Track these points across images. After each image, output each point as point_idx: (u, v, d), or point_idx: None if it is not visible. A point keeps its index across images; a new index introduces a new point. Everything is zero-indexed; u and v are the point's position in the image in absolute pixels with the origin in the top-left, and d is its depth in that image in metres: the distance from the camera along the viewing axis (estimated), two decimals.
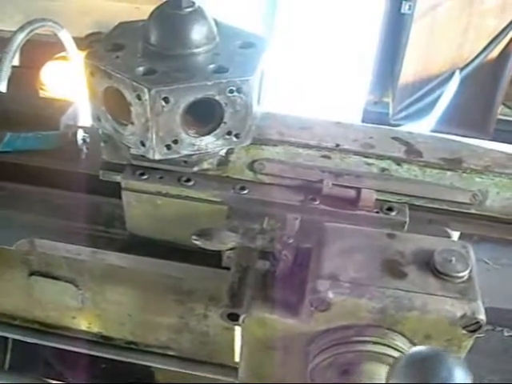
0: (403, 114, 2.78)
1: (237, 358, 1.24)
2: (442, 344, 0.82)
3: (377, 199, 1.01)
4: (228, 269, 0.98)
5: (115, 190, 1.11)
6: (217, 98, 0.94)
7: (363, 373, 0.79)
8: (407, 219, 1.00)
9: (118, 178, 1.08)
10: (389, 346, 0.80)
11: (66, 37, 1.72)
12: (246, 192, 1.04)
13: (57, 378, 1.48)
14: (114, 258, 1.13)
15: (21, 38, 1.57)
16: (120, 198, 1.12)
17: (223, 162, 1.08)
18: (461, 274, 0.80)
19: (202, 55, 0.98)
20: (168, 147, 0.97)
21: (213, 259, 1.06)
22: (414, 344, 0.82)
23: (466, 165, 1.06)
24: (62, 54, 1.97)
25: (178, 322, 1.27)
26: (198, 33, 0.97)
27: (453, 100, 2.65)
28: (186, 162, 1.06)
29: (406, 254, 0.84)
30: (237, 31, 1.04)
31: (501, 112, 2.94)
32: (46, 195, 1.24)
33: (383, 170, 1.06)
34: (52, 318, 1.37)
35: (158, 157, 0.98)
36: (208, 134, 0.98)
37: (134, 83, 0.92)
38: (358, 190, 1.00)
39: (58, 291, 1.28)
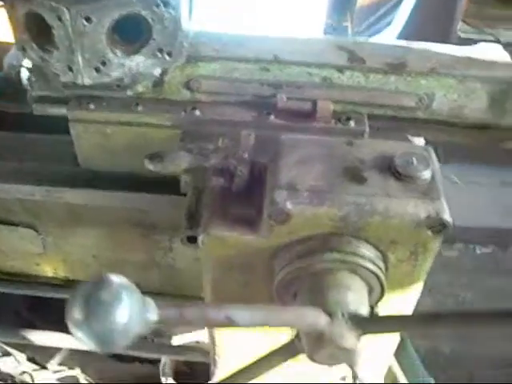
0: (363, 36, 2.72)
1: None
2: (408, 249, 0.80)
3: (334, 110, 0.97)
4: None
5: (65, 127, 1.06)
6: (143, 13, 0.89)
7: (331, 284, 0.76)
8: (366, 128, 0.97)
9: (62, 110, 1.02)
10: (354, 254, 0.77)
11: None
12: (198, 113, 0.99)
13: (27, 327, 1.45)
14: (71, 195, 1.08)
15: None
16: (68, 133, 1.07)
17: (158, 83, 1.03)
18: (422, 175, 0.77)
19: None
20: (97, 70, 0.92)
21: (173, 188, 1.02)
22: (380, 251, 0.79)
23: (411, 68, 1.02)
24: None
25: (144, 258, 1.24)
26: None
27: (411, 18, 2.59)
28: (119, 85, 1.01)
29: (366, 160, 0.80)
30: None
31: (460, 29, 2.90)
32: None
33: (325, 78, 1.02)
34: (16, 266, 1.33)
35: (87, 81, 0.93)
36: (137, 52, 0.93)
37: (53, 3, 0.86)
38: (314, 101, 0.96)
39: (17, 238, 1.24)
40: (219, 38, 1.07)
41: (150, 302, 0.59)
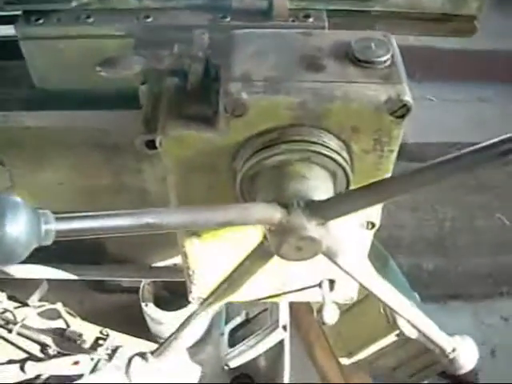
0: None
1: None
2: (371, 137, 0.78)
3: (290, 8, 0.94)
4: None
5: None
6: None
7: (291, 175, 0.75)
8: (326, 24, 0.94)
9: (7, 30, 0.98)
10: (316, 143, 0.75)
11: None
12: (150, 20, 0.95)
13: None
14: (30, 119, 1.05)
15: None
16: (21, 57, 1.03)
17: None
18: (382, 59, 0.75)
19: None
20: None
21: (133, 102, 0.99)
22: (343, 141, 0.78)
23: None
24: None
25: (112, 182, 1.21)
26: None
27: None
28: None
29: (323, 48, 0.77)
30: None
31: None
32: None
33: None
34: None
35: None
36: None
37: None
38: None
39: None
40: None
41: (49, 215, 0.59)
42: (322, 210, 0.72)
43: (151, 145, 0.81)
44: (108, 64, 0.82)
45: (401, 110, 0.74)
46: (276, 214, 0.70)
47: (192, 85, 0.78)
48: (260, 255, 0.82)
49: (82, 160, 1.15)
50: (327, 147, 0.76)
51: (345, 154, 0.78)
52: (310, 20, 0.93)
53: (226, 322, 1.66)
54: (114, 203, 1.24)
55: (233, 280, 0.87)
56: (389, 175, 0.84)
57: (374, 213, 0.91)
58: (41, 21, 0.96)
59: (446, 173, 0.66)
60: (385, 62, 0.75)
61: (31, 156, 1.17)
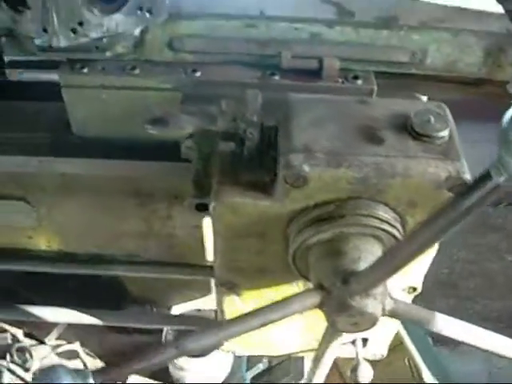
0: None
1: (208, 257, 1.18)
2: (426, 210, 0.77)
3: (341, 69, 0.93)
4: (188, 161, 0.91)
5: (54, 93, 1.01)
6: None
7: (351, 249, 0.74)
8: (375, 86, 0.93)
9: (39, 75, 0.97)
10: (372, 217, 0.74)
11: None
12: (199, 74, 0.94)
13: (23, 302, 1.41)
14: (64, 165, 1.03)
15: None
16: (60, 100, 1.01)
17: (139, 43, 0.98)
18: (441, 134, 0.74)
19: None
20: (74, 31, 0.86)
21: (171, 153, 0.97)
22: (398, 213, 0.76)
23: (402, 22, 0.98)
24: None
25: (141, 227, 1.20)
26: None
27: None
28: (97, 47, 0.95)
29: (381, 119, 0.77)
30: None
31: None
32: None
33: (314, 34, 0.97)
34: (7, 242, 1.28)
35: (63, 43, 0.88)
36: (116, 10, 0.88)
37: None
38: (320, 59, 0.92)
39: (8, 211, 1.18)
40: None
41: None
42: (363, 281, 0.71)
43: (201, 207, 0.79)
44: (159, 123, 0.81)
45: (459, 187, 0.73)
46: (316, 299, 0.70)
47: (248, 151, 0.77)
48: (330, 333, 0.82)
49: (112, 206, 1.14)
50: (383, 221, 0.75)
51: (399, 226, 0.77)
52: (359, 82, 0.92)
53: (248, 369, 1.63)
54: (141, 246, 1.23)
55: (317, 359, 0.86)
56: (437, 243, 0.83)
57: (417, 278, 0.90)
58: (85, 70, 0.95)
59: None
60: (443, 136, 0.74)
61: (60, 197, 1.16)
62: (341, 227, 0.74)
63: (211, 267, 0.95)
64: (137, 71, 0.94)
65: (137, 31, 0.94)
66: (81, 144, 1.03)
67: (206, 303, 1.32)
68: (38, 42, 0.90)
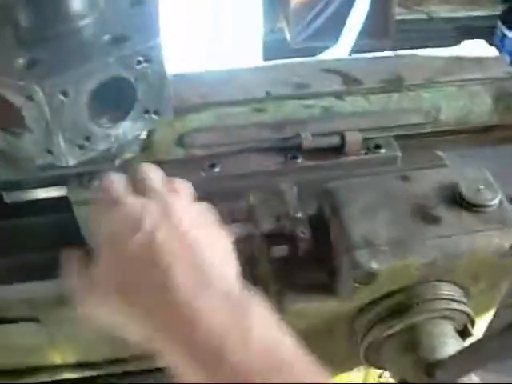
0: (303, 36, 2.65)
1: None
2: (491, 280, 0.75)
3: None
4: None
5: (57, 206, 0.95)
6: (124, 74, 0.77)
7: (426, 337, 0.71)
8: (399, 153, 0.91)
9: (42, 193, 0.91)
10: (443, 299, 0.72)
11: None
12: (218, 170, 0.90)
13: None
14: None
15: None
16: (67, 211, 0.95)
17: (147, 145, 0.92)
18: (492, 202, 0.73)
19: (89, 27, 0.79)
20: (80, 147, 0.80)
21: None
22: (465, 288, 0.75)
23: (408, 81, 0.97)
24: None
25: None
26: (77, 1, 0.77)
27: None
28: (104, 157, 0.88)
29: (430, 195, 0.75)
30: None
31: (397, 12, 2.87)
32: None
33: (326, 109, 0.95)
34: (21, 362, 1.20)
35: (72, 162, 0.82)
36: (123, 118, 0.83)
37: (20, 82, 0.72)
38: (341, 134, 0.89)
39: (18, 334, 1.11)
40: (201, 79, 0.99)
41: None
42: (450, 373, 0.68)
43: None
44: None
45: None
46: None
47: (303, 251, 0.74)
48: None
49: None
50: (451, 300, 0.73)
51: (464, 300, 0.75)
52: (383, 151, 0.90)
53: None
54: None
55: None
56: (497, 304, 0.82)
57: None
58: (96, 182, 0.89)
59: None
60: (495, 204, 0.73)
61: (73, 314, 1.09)
62: (412, 318, 0.71)
63: None
64: None
65: (143, 134, 0.90)
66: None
67: None
68: (40, 162, 0.85)
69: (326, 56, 2.44)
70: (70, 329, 1.12)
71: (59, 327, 1.11)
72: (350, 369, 0.85)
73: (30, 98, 0.73)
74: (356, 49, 2.50)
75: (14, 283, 1.01)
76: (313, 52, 2.32)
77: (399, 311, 0.71)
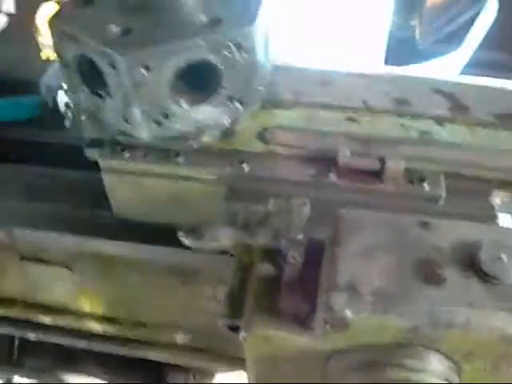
0: (432, 38, 2.48)
1: None
2: (489, 361, 0.66)
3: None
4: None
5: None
6: (211, 58, 0.76)
7: None
8: (443, 194, 0.82)
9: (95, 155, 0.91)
10: (423, 371, 0.64)
11: None
12: (246, 168, 0.86)
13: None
14: (108, 247, 0.99)
15: None
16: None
17: (228, 133, 0.89)
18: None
19: (189, 5, 0.79)
20: (158, 123, 0.80)
21: None
22: (454, 361, 0.66)
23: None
24: None
25: (185, 305, 1.13)
26: None
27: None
28: (181, 136, 0.87)
29: (444, 250, 0.66)
30: None
31: None
32: (22, 173, 1.08)
33: (423, 133, 0.87)
34: (51, 301, 1.25)
35: (146, 136, 0.82)
36: (204, 101, 0.81)
37: (105, 49, 0.73)
38: (383, 159, 0.82)
39: (52, 275, 1.15)
40: (299, 75, 0.95)
41: None
42: None
43: (235, 329, 0.71)
44: (193, 233, 0.74)
45: None
46: None
47: (288, 276, 0.69)
48: None
49: (156, 281, 1.09)
50: (435, 372, 0.65)
51: (454, 376, 0.67)
52: (425, 185, 0.82)
53: None
54: (183, 322, 1.17)
55: None
56: None
57: None
58: (126, 154, 0.88)
59: None
60: None
61: (103, 271, 1.12)
62: (382, 379, 0.64)
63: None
64: (181, 160, 0.87)
65: (226, 120, 0.86)
66: (121, 225, 0.97)
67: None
68: (119, 128, 0.85)
69: (440, 62, 2.31)
70: (102, 285, 1.14)
71: (91, 281, 1.14)
72: None
73: (113, 66, 0.74)
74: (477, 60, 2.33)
75: (51, 230, 1.03)
76: (433, 55, 2.20)
77: (372, 367, 0.65)
